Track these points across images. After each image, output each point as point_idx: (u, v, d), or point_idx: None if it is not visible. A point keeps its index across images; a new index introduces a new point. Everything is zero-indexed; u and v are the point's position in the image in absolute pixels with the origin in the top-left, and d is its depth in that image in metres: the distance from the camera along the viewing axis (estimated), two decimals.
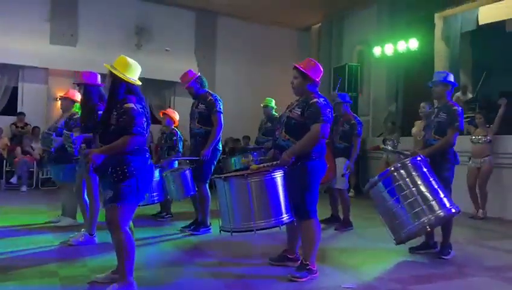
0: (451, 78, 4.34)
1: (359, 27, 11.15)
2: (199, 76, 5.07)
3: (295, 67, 3.57)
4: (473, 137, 6.63)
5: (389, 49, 9.65)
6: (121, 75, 3.04)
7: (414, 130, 7.76)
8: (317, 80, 3.55)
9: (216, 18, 11.84)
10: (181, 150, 6.09)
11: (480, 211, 6.54)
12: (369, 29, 10.61)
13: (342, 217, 5.67)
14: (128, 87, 3.08)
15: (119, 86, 3.06)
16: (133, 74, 3.12)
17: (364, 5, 10.70)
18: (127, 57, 3.15)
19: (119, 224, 2.94)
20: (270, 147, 6.28)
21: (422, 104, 6.02)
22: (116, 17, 10.62)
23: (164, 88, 11.26)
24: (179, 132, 6.14)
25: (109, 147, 2.96)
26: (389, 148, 7.60)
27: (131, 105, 2.97)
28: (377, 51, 9.93)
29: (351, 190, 8.75)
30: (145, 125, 3.00)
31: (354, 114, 5.78)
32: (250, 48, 12.00)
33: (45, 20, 9.99)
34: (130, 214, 3.01)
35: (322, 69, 3.60)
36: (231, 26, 11.85)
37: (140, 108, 3.01)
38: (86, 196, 4.53)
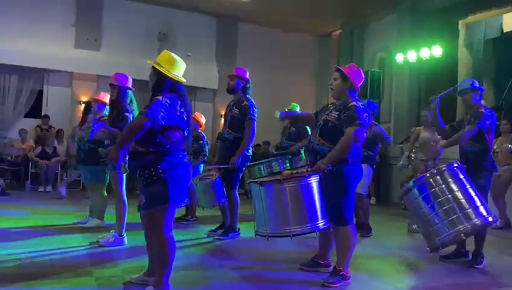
0: (477, 84, 4.36)
1: (380, 34, 11.11)
2: (249, 81, 4.91)
3: (337, 69, 3.54)
4: (496, 145, 6.52)
5: (411, 55, 9.58)
6: (166, 72, 2.88)
7: (424, 135, 7.62)
8: (358, 85, 3.50)
9: (237, 24, 11.91)
10: (207, 153, 6.12)
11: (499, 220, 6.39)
12: (390, 36, 10.53)
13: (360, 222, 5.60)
14: (173, 84, 2.91)
15: (164, 83, 2.89)
16: (178, 70, 2.96)
17: (383, 14, 10.67)
18: (171, 53, 2.99)
19: (157, 230, 2.83)
20: (294, 152, 6.33)
21: (423, 113, 6.03)
22: (139, 23, 10.78)
23: None
24: (205, 136, 6.19)
25: (127, 128, 3.03)
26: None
27: (160, 97, 2.82)
28: (399, 57, 9.86)
29: (372, 197, 8.67)
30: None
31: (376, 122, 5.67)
32: (271, 53, 12.01)
33: (70, 25, 10.19)
34: (169, 218, 2.87)
35: (363, 76, 3.56)
36: (252, 32, 11.90)
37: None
38: (124, 196, 4.48)
